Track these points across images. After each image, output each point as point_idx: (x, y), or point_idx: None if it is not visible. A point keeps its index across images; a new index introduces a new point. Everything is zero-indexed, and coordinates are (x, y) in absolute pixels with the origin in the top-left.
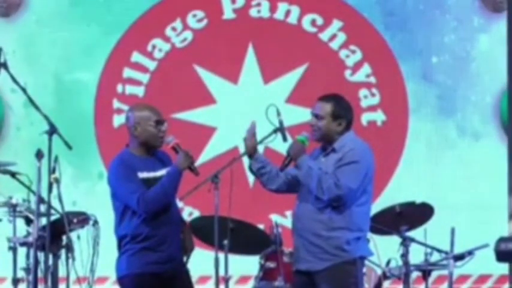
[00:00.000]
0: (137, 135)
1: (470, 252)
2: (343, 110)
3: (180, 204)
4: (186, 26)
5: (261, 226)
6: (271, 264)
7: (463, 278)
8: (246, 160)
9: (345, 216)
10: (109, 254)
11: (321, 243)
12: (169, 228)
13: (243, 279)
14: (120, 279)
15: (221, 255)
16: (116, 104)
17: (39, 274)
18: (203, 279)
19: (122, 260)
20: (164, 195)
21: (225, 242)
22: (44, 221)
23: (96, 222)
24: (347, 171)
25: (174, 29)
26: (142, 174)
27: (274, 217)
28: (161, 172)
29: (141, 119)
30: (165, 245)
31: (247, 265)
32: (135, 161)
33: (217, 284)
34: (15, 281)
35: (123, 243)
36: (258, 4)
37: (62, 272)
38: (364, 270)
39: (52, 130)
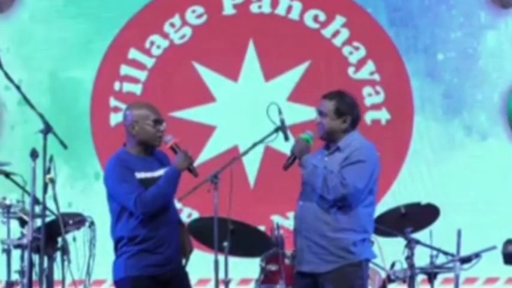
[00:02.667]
0: (135, 134)
1: (477, 255)
2: (346, 107)
3: (178, 205)
4: (185, 22)
5: (262, 228)
6: (272, 267)
7: (470, 281)
8: (246, 159)
9: (351, 217)
10: (105, 256)
11: (326, 245)
12: (167, 229)
13: (244, 282)
14: (117, 282)
15: (221, 258)
16: (113, 102)
17: (34, 277)
18: (203, 282)
19: (119, 263)
20: (162, 196)
21: (225, 244)
22: (38, 222)
23: (92, 224)
24: (353, 171)
25: (172, 25)
26: (140, 175)
27: (276, 218)
28: (159, 172)
29: (139, 118)
30: (163, 247)
31: (247, 268)
32: (133, 160)
33: (216, 287)
34: (10, 284)
35: (119, 245)
36: None
37: (57, 275)
38: (368, 273)
39: (47, 129)
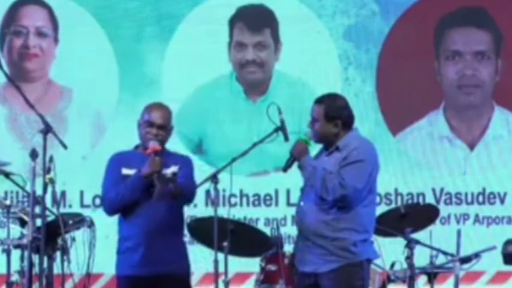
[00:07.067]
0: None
1: (477, 255)
2: (336, 111)
3: None
4: None
5: (262, 228)
6: (272, 267)
7: (469, 281)
8: (245, 159)
9: (351, 217)
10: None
11: (326, 245)
12: (149, 231)
13: (244, 282)
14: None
15: (221, 257)
16: None
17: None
18: (203, 281)
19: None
20: (120, 197)
21: (225, 243)
22: (38, 222)
23: (92, 224)
24: (352, 171)
25: None
26: (125, 171)
27: (276, 218)
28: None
29: (141, 118)
30: (142, 247)
31: (247, 267)
32: (132, 157)
33: (216, 286)
34: (9, 284)
35: (118, 242)
36: None
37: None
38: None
39: (47, 129)
